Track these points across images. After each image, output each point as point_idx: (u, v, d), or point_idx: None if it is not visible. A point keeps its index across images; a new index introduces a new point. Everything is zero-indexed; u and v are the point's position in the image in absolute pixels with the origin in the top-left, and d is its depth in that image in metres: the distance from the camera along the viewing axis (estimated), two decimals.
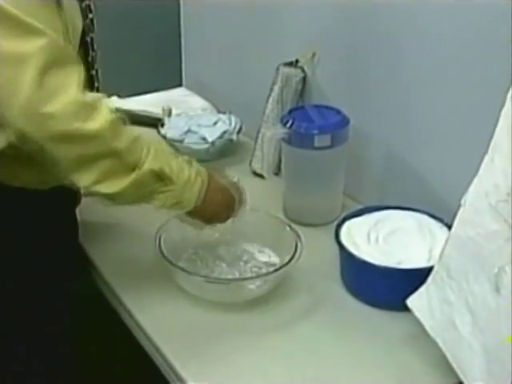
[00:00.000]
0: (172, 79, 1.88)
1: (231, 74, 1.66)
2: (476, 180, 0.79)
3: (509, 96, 0.73)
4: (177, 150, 1.49)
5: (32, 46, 0.81)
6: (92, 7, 1.02)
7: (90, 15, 1.01)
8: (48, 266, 1.02)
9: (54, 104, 0.81)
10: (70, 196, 1.08)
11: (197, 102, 1.72)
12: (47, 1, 0.84)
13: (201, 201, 0.97)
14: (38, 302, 1.02)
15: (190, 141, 1.48)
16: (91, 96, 0.87)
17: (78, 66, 0.87)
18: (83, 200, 1.15)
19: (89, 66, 1.01)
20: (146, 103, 1.71)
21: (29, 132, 0.82)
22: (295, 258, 1.02)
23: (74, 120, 0.83)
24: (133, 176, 0.88)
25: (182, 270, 1.01)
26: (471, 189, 0.80)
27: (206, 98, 1.73)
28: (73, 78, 0.84)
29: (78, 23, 0.96)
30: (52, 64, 0.82)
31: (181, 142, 1.48)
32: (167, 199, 0.93)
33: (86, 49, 1.00)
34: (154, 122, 1.57)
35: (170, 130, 1.51)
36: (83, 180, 0.87)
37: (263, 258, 1.11)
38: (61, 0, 0.86)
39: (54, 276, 1.03)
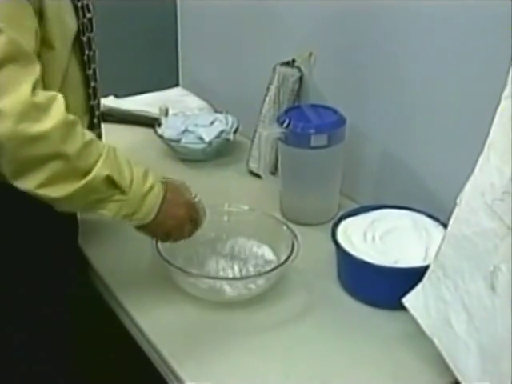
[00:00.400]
0: (169, 79, 1.88)
1: (228, 74, 1.67)
2: (472, 179, 0.79)
3: (503, 96, 0.73)
4: (174, 149, 1.50)
5: None
6: (90, 6, 1.02)
7: (89, 14, 1.01)
8: (47, 267, 1.02)
9: (2, 101, 0.79)
10: None
11: (194, 102, 1.72)
12: None
13: (155, 214, 0.93)
14: (38, 303, 1.02)
15: (187, 140, 1.48)
16: (44, 96, 0.83)
17: (35, 65, 0.84)
18: None
19: (84, 65, 1.01)
20: (143, 103, 1.71)
21: None
22: (292, 256, 1.02)
23: (20, 120, 0.80)
24: (82, 181, 0.85)
25: (180, 269, 1.01)
26: (467, 188, 0.80)
27: (203, 98, 1.73)
28: (27, 77, 0.82)
29: (70, 22, 0.95)
30: (5, 61, 0.80)
31: (178, 141, 1.48)
32: (120, 209, 0.90)
33: (81, 48, 0.99)
34: (151, 122, 1.57)
35: (167, 129, 1.51)
36: (27, 183, 0.84)
37: (261, 255, 1.11)
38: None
39: (54, 277, 1.03)
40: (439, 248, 0.85)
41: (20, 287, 1.00)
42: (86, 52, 1.00)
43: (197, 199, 1.03)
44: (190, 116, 1.56)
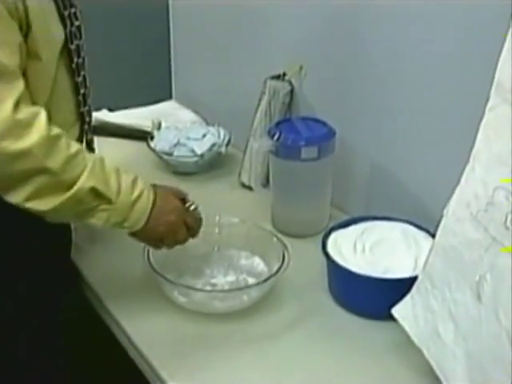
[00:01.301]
0: (162, 92, 1.89)
1: (220, 88, 1.68)
2: (458, 190, 0.80)
3: (487, 108, 0.74)
4: (166, 162, 1.51)
5: None
6: (78, 14, 1.02)
7: (77, 22, 1.01)
8: (38, 279, 1.02)
9: None
10: None
11: (186, 115, 1.73)
12: None
13: (145, 221, 0.93)
14: (29, 315, 1.03)
15: (179, 153, 1.49)
16: (27, 113, 0.84)
17: (19, 81, 0.85)
18: None
19: (73, 72, 1.01)
20: (135, 116, 1.72)
21: None
22: (282, 268, 1.03)
23: (2, 138, 0.80)
24: (68, 194, 0.86)
25: (171, 281, 1.01)
26: (453, 199, 0.81)
27: (195, 111, 1.75)
28: (8, 93, 0.82)
29: (57, 32, 0.95)
30: None
31: (170, 154, 1.49)
32: (109, 218, 0.91)
33: (70, 56, 0.99)
34: (144, 135, 1.58)
35: (160, 142, 1.52)
36: (15, 196, 0.85)
37: (252, 267, 1.12)
38: (26, 10, 0.86)
39: (45, 288, 1.04)
40: (427, 258, 0.86)
41: (10, 300, 1.00)
42: (75, 60, 1.00)
43: (193, 207, 1.03)
44: (182, 129, 1.57)
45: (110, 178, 0.90)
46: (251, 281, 1.07)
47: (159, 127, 1.61)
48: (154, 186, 0.97)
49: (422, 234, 1.07)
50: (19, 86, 0.85)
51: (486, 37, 0.91)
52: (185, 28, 1.79)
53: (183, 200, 1.03)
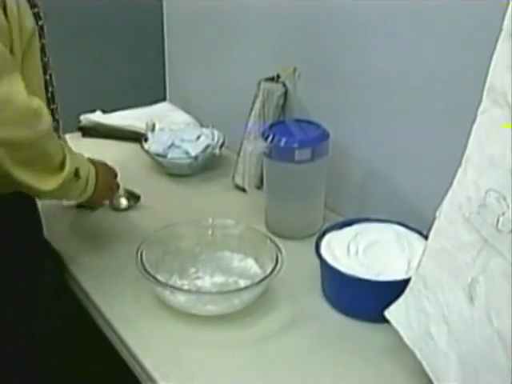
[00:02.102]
0: (156, 94, 1.89)
1: (214, 89, 1.68)
2: (450, 192, 0.81)
3: (479, 111, 0.75)
4: (160, 164, 1.51)
5: None
6: (41, 14, 1.03)
7: (40, 22, 1.02)
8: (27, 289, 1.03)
9: (4, 112, 0.84)
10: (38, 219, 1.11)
11: (180, 117, 1.73)
12: None
13: (93, 189, 1.07)
14: (22, 327, 1.03)
15: (174, 155, 1.49)
16: (35, 102, 0.89)
17: (18, 71, 0.89)
18: (65, 217, 1.16)
19: (44, 69, 1.04)
20: (129, 118, 1.72)
21: None
22: (276, 270, 1.03)
23: (24, 128, 0.87)
24: (61, 176, 0.96)
25: (164, 283, 1.01)
26: (446, 201, 0.81)
27: (190, 113, 1.75)
28: (19, 84, 0.86)
29: (29, 24, 0.96)
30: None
31: (164, 156, 1.49)
32: (76, 194, 1.04)
33: (42, 51, 1.02)
34: (138, 137, 1.58)
35: (154, 144, 1.52)
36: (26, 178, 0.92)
37: (246, 269, 1.11)
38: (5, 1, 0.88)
39: (37, 298, 1.04)
40: (420, 260, 0.86)
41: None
42: (44, 57, 1.03)
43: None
44: (177, 131, 1.57)
45: (81, 158, 1.04)
46: (244, 283, 1.07)
47: (153, 129, 1.61)
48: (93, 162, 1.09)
49: (415, 236, 1.07)
50: (20, 75, 0.88)
51: (479, 40, 0.91)
52: (179, 30, 1.79)
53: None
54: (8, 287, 1.01)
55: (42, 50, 1.02)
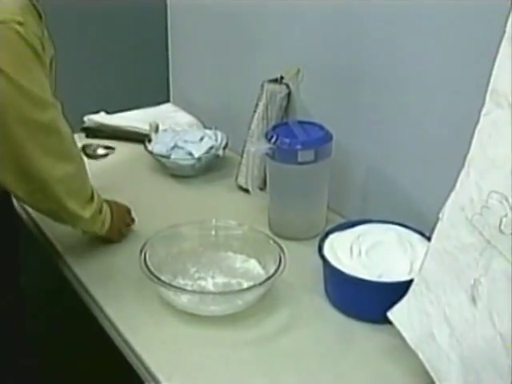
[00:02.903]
0: (159, 95, 1.89)
1: (217, 91, 1.69)
2: (453, 194, 0.81)
3: (482, 113, 0.75)
4: (163, 165, 1.51)
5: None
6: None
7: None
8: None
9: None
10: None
11: (183, 118, 1.73)
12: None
13: (109, 224, 1.13)
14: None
15: (177, 156, 1.49)
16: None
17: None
18: None
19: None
20: (133, 119, 1.72)
21: None
22: (279, 271, 1.03)
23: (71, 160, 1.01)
24: (93, 205, 1.06)
25: (167, 283, 1.02)
26: (448, 202, 0.81)
27: (193, 114, 1.75)
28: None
29: (51, 50, 1.01)
30: None
31: (167, 157, 1.49)
32: (100, 229, 1.12)
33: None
34: (141, 138, 1.58)
35: (157, 145, 1.53)
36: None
37: (249, 270, 1.12)
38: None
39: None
40: (422, 262, 0.87)
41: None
42: None
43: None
44: (180, 132, 1.57)
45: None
46: (247, 284, 1.07)
47: (157, 130, 1.61)
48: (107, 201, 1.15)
49: (417, 238, 1.07)
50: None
51: (483, 42, 0.92)
52: (183, 31, 1.80)
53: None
54: None
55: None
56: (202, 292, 1.06)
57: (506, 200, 0.71)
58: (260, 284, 1.03)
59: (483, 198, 0.74)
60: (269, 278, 1.03)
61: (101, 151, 1.59)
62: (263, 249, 1.11)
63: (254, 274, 1.10)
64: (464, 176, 0.79)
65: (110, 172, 1.27)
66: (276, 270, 1.03)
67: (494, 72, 0.73)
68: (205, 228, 1.15)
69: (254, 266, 1.12)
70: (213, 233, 1.16)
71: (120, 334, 1.02)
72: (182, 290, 1.04)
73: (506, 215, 0.71)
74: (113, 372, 1.20)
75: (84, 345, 1.29)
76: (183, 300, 1.02)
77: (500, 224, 0.71)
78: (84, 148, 1.57)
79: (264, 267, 1.10)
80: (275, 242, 1.11)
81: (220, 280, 1.09)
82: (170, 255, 1.11)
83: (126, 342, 1.00)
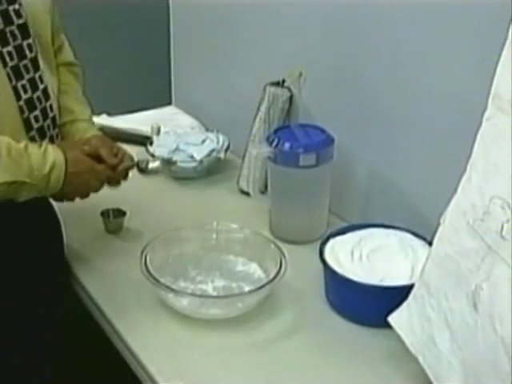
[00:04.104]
0: (162, 97, 1.90)
1: (219, 93, 1.69)
2: (455, 199, 0.81)
3: (484, 118, 0.75)
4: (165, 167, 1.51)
5: None
6: (22, 11, 0.98)
7: (20, 20, 0.98)
8: (35, 292, 1.03)
9: None
10: (55, 217, 1.09)
11: (185, 120, 1.74)
12: None
13: (60, 187, 0.98)
14: (26, 327, 1.03)
15: (178, 159, 1.49)
16: None
17: None
18: (68, 218, 1.17)
19: (9, 78, 0.97)
20: (135, 121, 1.73)
21: None
22: (279, 275, 1.03)
23: None
24: None
25: (168, 287, 1.02)
26: (450, 207, 0.81)
27: (195, 117, 1.75)
28: None
29: None
30: None
31: (169, 160, 1.49)
32: (29, 193, 0.96)
33: (2, 60, 0.96)
34: (143, 140, 1.58)
35: (159, 147, 1.53)
36: None
37: (250, 273, 1.12)
38: None
39: (41, 302, 1.04)
40: (424, 267, 0.86)
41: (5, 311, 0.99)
42: (9, 63, 0.96)
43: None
44: (182, 134, 1.57)
45: (21, 162, 0.93)
46: (247, 288, 1.07)
47: (158, 132, 1.61)
48: (64, 150, 1.00)
49: (419, 242, 1.07)
50: None
51: (485, 47, 0.92)
52: (185, 33, 1.80)
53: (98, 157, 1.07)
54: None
55: (13, 53, 0.97)
56: (203, 295, 1.06)
57: (508, 205, 0.71)
58: (260, 288, 1.02)
59: (485, 203, 0.74)
60: (269, 282, 1.03)
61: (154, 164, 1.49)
62: (264, 252, 1.11)
63: (255, 278, 1.10)
64: (466, 181, 0.79)
65: None
66: (276, 274, 1.03)
67: (495, 77, 0.73)
68: (206, 231, 1.15)
69: (254, 269, 1.12)
70: (214, 236, 1.16)
71: (119, 336, 1.02)
72: (182, 293, 1.04)
73: (507, 221, 0.71)
74: (112, 374, 1.20)
75: (82, 346, 1.29)
76: (183, 303, 1.02)
77: (501, 229, 0.71)
78: None
79: (265, 271, 1.10)
80: (276, 245, 1.10)
81: (220, 284, 1.09)
82: (170, 257, 1.11)
83: (125, 343, 1.00)
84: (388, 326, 0.91)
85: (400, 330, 0.89)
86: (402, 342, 0.88)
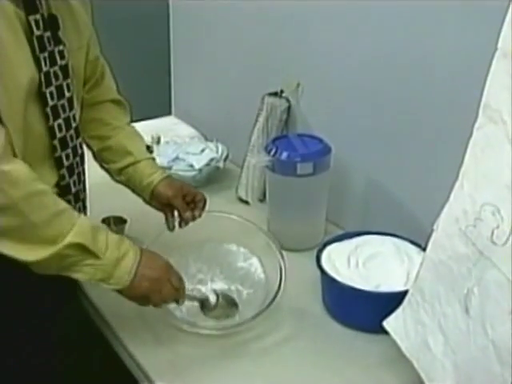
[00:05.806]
0: (161, 108, 1.92)
1: (219, 104, 1.71)
2: (447, 206, 0.82)
3: (475, 127, 0.77)
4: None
5: None
6: (65, 53, 0.97)
7: (63, 62, 0.97)
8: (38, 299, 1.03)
9: None
10: None
11: (185, 130, 1.76)
12: None
13: (130, 278, 0.93)
14: (29, 334, 1.03)
15: (178, 168, 1.51)
16: (11, 164, 0.84)
17: (1, 130, 0.84)
18: None
19: (47, 117, 0.95)
20: None
21: None
22: (278, 295, 1.03)
23: None
24: (53, 248, 0.87)
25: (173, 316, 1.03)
26: (443, 214, 0.83)
27: (194, 127, 1.77)
28: None
29: (21, 75, 0.89)
30: None
31: (169, 168, 1.51)
32: (95, 273, 0.91)
33: (43, 100, 0.94)
34: None
35: (159, 157, 1.54)
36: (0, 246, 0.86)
37: (249, 271, 1.13)
38: None
39: (43, 310, 1.05)
40: (418, 272, 0.88)
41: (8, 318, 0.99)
42: (50, 103, 0.95)
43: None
44: (181, 144, 1.59)
45: (98, 235, 0.91)
46: (246, 292, 1.08)
47: (158, 142, 1.63)
48: (141, 248, 0.98)
49: (414, 249, 1.09)
50: (3, 134, 0.84)
51: (476, 57, 0.93)
52: (185, 44, 1.82)
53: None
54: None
55: (55, 93, 0.96)
56: (202, 327, 1.02)
57: (498, 212, 0.73)
58: (257, 315, 1.02)
59: (476, 209, 0.76)
60: (264, 309, 1.02)
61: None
62: (265, 251, 1.12)
63: (255, 280, 1.11)
64: (458, 188, 0.80)
65: (111, 184, 1.28)
66: (276, 294, 1.03)
67: (486, 87, 0.75)
68: (208, 218, 1.16)
69: (255, 267, 1.13)
70: (215, 226, 1.15)
71: (122, 345, 1.03)
72: (181, 321, 1.04)
73: (497, 227, 0.72)
74: (112, 380, 1.21)
75: (86, 355, 1.30)
76: (188, 318, 1.04)
77: (492, 235, 0.73)
78: None
79: (265, 271, 1.11)
80: (277, 249, 1.11)
81: (219, 286, 1.10)
82: (171, 260, 1.10)
83: (128, 352, 1.02)
84: (384, 331, 0.93)
85: (395, 334, 0.91)
86: (398, 348, 0.90)
